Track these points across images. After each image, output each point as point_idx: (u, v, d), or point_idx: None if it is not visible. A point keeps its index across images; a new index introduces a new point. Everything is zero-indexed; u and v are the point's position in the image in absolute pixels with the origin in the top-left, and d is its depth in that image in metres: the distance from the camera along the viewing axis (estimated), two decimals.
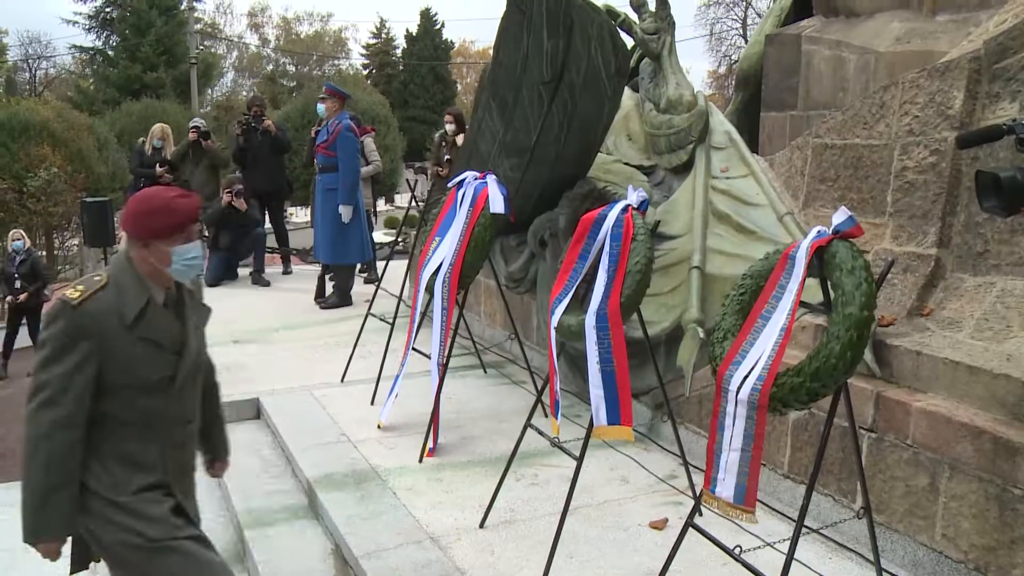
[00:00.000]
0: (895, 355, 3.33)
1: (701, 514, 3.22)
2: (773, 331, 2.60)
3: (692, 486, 3.75)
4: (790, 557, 2.52)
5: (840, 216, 2.61)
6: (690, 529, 2.87)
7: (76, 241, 17.97)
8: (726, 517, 2.74)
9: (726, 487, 2.66)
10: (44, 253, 17.96)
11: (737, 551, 2.71)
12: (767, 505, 3.51)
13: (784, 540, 2.66)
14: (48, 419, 2.34)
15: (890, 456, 3.20)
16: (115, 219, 13.20)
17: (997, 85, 3.44)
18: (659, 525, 3.56)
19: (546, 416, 4.22)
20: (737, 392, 2.58)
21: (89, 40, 37.47)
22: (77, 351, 2.35)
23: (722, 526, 3.31)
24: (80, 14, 37.44)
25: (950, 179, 3.55)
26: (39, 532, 2.41)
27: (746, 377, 2.58)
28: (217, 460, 3.00)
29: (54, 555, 2.45)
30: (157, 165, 9.55)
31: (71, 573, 2.69)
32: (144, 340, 2.44)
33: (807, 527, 2.70)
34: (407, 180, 9.42)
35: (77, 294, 2.38)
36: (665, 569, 2.92)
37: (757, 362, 2.58)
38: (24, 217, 16.55)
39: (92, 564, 2.67)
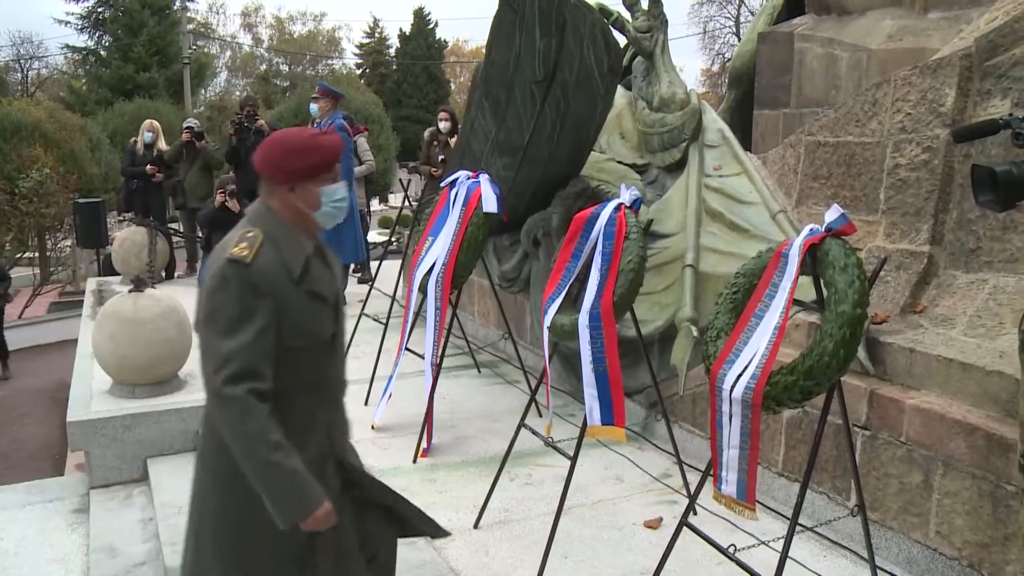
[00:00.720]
0: (888, 352, 3.33)
1: (695, 513, 3.22)
2: (767, 330, 2.60)
3: (686, 485, 3.75)
4: (784, 555, 2.52)
5: (832, 214, 2.61)
6: (684, 528, 2.86)
7: (69, 242, 17.91)
8: (728, 512, 2.74)
9: (730, 484, 2.66)
10: (37, 255, 17.93)
11: (731, 550, 2.71)
12: (761, 503, 3.51)
13: (778, 538, 2.66)
14: (244, 392, 2.10)
15: (884, 453, 3.20)
16: (107, 220, 13.20)
17: (988, 82, 3.44)
18: (653, 524, 3.56)
19: (540, 416, 4.22)
20: (731, 391, 2.57)
21: (81, 40, 37.36)
22: (259, 312, 2.13)
23: (716, 525, 3.31)
24: (72, 14, 37.32)
25: (942, 176, 3.55)
26: (307, 504, 2.14)
27: (740, 376, 2.58)
28: None
29: (332, 516, 2.19)
30: (148, 165, 9.52)
31: None
32: (311, 294, 2.26)
33: (801, 525, 2.71)
34: (400, 180, 9.40)
35: (246, 250, 2.17)
36: (660, 568, 2.91)
37: (751, 361, 2.58)
38: (16, 218, 16.50)
39: None
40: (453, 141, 7.99)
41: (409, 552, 3.35)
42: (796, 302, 2.77)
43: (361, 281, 8.97)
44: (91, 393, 5.26)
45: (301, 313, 2.21)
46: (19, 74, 44.60)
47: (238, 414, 2.10)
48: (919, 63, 3.78)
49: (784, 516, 3.23)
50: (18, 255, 17.50)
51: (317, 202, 2.29)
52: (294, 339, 2.20)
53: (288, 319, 2.18)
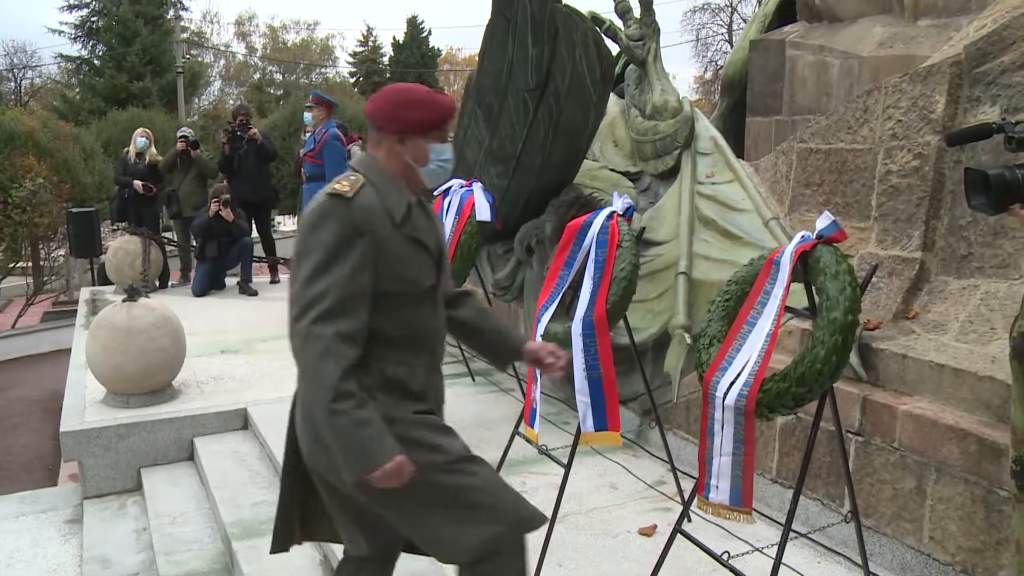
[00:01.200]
0: (881, 358, 3.34)
1: (690, 520, 3.22)
2: (759, 337, 2.61)
3: (681, 492, 3.75)
4: (778, 562, 2.53)
5: (824, 221, 2.62)
6: (679, 535, 2.87)
7: (62, 252, 17.86)
8: (720, 519, 2.74)
9: (720, 492, 2.66)
10: (30, 264, 17.88)
11: (725, 557, 2.71)
12: (755, 510, 3.51)
13: (772, 545, 2.67)
14: (332, 333, 2.03)
15: (877, 459, 3.21)
16: (101, 229, 13.17)
17: (978, 89, 3.47)
18: (648, 531, 3.56)
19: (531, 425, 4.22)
20: (724, 398, 2.58)
21: (75, 49, 37.40)
22: (356, 250, 2.08)
23: (710, 532, 3.31)
24: (66, 23, 37.37)
25: (933, 182, 3.57)
26: (376, 457, 2.06)
27: (732, 383, 2.58)
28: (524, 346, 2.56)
29: (404, 472, 2.09)
30: (137, 181, 9.48)
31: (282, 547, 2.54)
32: (413, 240, 2.21)
33: (795, 531, 2.71)
34: None
35: (347, 187, 2.14)
36: (654, 575, 2.92)
37: (743, 368, 2.59)
38: (9, 228, 16.46)
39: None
40: None
41: (405, 560, 3.34)
42: (788, 309, 2.78)
43: None
44: (85, 403, 5.26)
45: (400, 258, 2.17)
46: (12, 83, 44.58)
47: (318, 355, 2.03)
48: (909, 70, 3.81)
49: (778, 523, 3.23)
50: (11, 265, 17.45)
51: (425, 157, 2.27)
52: (391, 284, 2.16)
53: (386, 262, 2.13)
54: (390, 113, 2.24)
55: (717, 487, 2.66)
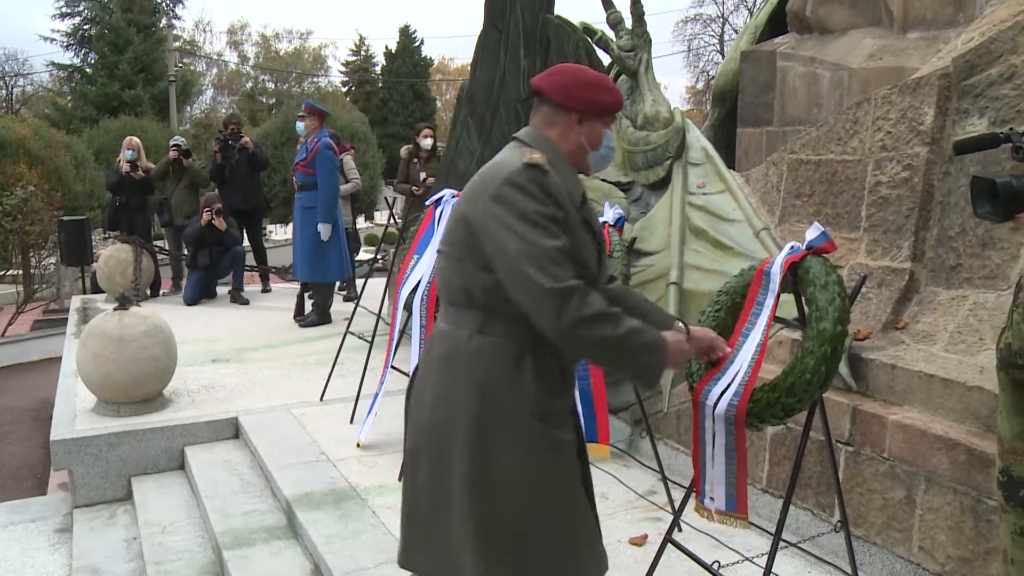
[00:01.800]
0: (871, 369, 3.36)
1: (680, 530, 3.23)
2: (750, 347, 2.62)
3: (671, 502, 3.76)
4: (768, 571, 2.53)
5: (813, 232, 2.64)
6: (669, 545, 2.87)
7: (53, 260, 17.81)
8: (712, 528, 2.75)
9: (717, 497, 2.68)
10: (20, 272, 17.81)
11: (716, 566, 2.72)
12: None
13: (762, 554, 2.67)
14: (583, 284, 1.99)
15: (867, 469, 3.22)
16: (92, 237, 13.15)
17: (966, 101, 3.50)
18: (639, 541, 3.57)
19: None
20: (714, 408, 2.59)
21: (67, 57, 37.36)
22: (557, 219, 2.04)
23: (701, 541, 3.32)
24: (58, 31, 37.35)
25: (923, 194, 3.59)
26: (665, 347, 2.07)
27: (723, 393, 2.59)
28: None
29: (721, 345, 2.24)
30: (135, 189, 9.49)
31: None
32: (586, 223, 2.17)
33: (785, 541, 2.72)
34: (385, 198, 9.39)
35: (540, 159, 2.07)
36: None
37: (734, 379, 2.60)
38: None
39: None
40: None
41: (395, 570, 3.34)
42: (778, 319, 2.80)
43: (347, 299, 8.97)
44: (75, 411, 5.24)
45: (577, 239, 2.11)
46: (4, 91, 44.46)
47: (591, 311, 1.97)
48: (899, 82, 3.84)
49: (768, 532, 3.24)
50: (2, 272, 17.39)
51: (599, 141, 2.23)
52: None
53: (569, 240, 2.07)
54: (575, 92, 2.18)
55: (712, 498, 2.67)
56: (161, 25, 35.58)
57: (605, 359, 2.08)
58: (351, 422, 5.00)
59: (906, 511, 3.07)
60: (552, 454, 2.14)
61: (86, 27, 36.86)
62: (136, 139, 9.99)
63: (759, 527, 3.43)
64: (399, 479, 4.25)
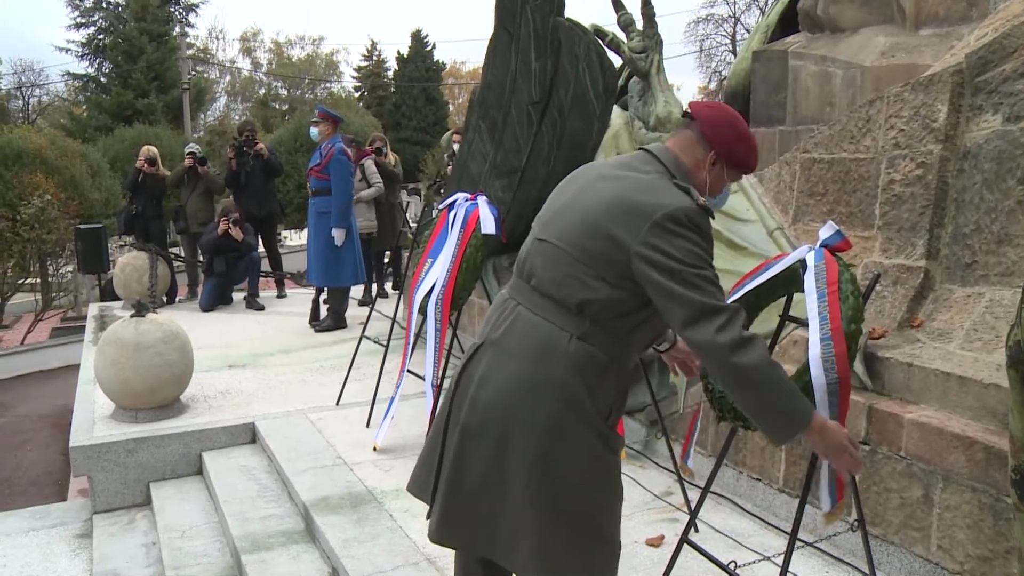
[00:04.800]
0: (886, 367, 3.35)
1: (697, 530, 3.23)
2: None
3: (687, 502, 3.75)
4: (784, 571, 2.53)
5: (828, 230, 2.63)
6: (685, 545, 2.87)
7: (70, 268, 17.94)
8: (730, 529, 2.74)
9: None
10: (38, 280, 17.96)
11: (732, 566, 2.71)
12: (762, 519, 3.52)
13: (779, 554, 2.67)
14: (733, 312, 2.07)
15: (884, 468, 3.21)
16: (108, 245, 13.24)
17: (980, 98, 3.48)
18: (655, 542, 3.56)
19: None
20: None
21: (82, 67, 37.68)
22: (711, 259, 2.15)
23: (718, 542, 3.32)
24: (73, 41, 37.68)
25: (937, 191, 3.58)
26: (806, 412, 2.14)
27: None
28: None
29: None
30: (151, 193, 9.56)
31: None
32: None
33: (802, 540, 2.72)
34: (399, 202, 9.41)
35: (705, 201, 2.17)
36: None
37: None
38: (17, 245, 16.55)
39: None
40: None
41: (412, 573, 3.36)
42: (791, 318, 2.80)
43: (362, 303, 9.00)
44: (94, 418, 5.28)
45: None
46: (20, 101, 44.87)
47: (750, 336, 2.05)
48: (911, 79, 3.82)
49: (785, 532, 3.23)
50: (20, 281, 17.54)
51: (719, 188, 2.32)
52: None
53: None
54: (725, 134, 2.26)
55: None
56: (174, 33, 35.77)
57: (751, 392, 2.09)
58: (367, 426, 5.02)
59: (924, 510, 3.06)
60: (609, 451, 2.26)
61: (100, 37, 37.15)
62: (153, 148, 10.08)
63: (776, 527, 3.42)
64: None
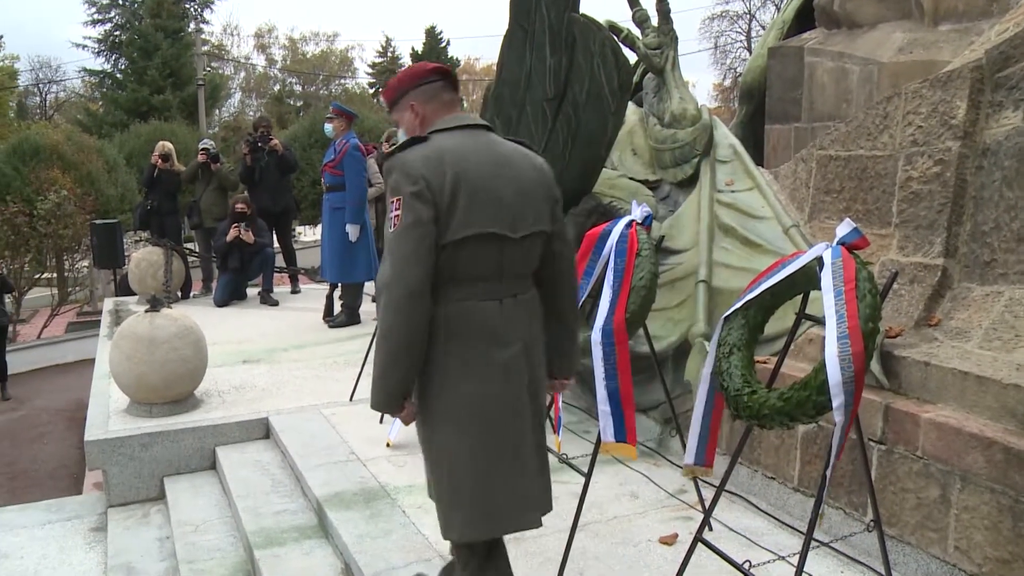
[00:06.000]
0: (903, 366, 3.32)
1: (711, 529, 3.21)
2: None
3: (701, 501, 3.74)
4: (800, 570, 2.51)
5: (845, 228, 2.61)
6: (699, 544, 2.85)
7: (86, 263, 18.05)
8: (744, 528, 2.73)
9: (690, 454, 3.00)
10: (55, 275, 18.07)
11: (747, 565, 2.70)
12: (776, 519, 3.50)
13: (794, 554, 2.65)
14: None
15: (900, 468, 3.18)
16: (124, 241, 13.30)
17: (1000, 94, 3.44)
18: (669, 540, 3.55)
19: (555, 433, 4.21)
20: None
21: (98, 64, 37.89)
22: None
23: (732, 541, 3.30)
24: (89, 38, 37.90)
25: (955, 189, 3.54)
26: None
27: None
28: None
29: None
30: (166, 188, 9.60)
31: None
32: None
33: (817, 540, 2.70)
34: None
35: None
36: None
37: None
38: (34, 240, 16.66)
39: None
40: None
41: (425, 570, 3.36)
42: (808, 316, 2.77)
43: (375, 300, 9.00)
44: (108, 412, 5.31)
45: None
46: (38, 98, 45.16)
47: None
48: (930, 76, 3.78)
49: (799, 531, 3.21)
50: (36, 276, 17.66)
51: None
52: None
53: None
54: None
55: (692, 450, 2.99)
56: (189, 30, 35.94)
57: None
58: (380, 422, 5.02)
59: (941, 511, 3.03)
60: None
61: (116, 33, 37.33)
62: (168, 144, 10.13)
63: (790, 526, 3.41)
64: None
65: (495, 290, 2.45)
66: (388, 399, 2.40)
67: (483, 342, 2.43)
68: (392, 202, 2.34)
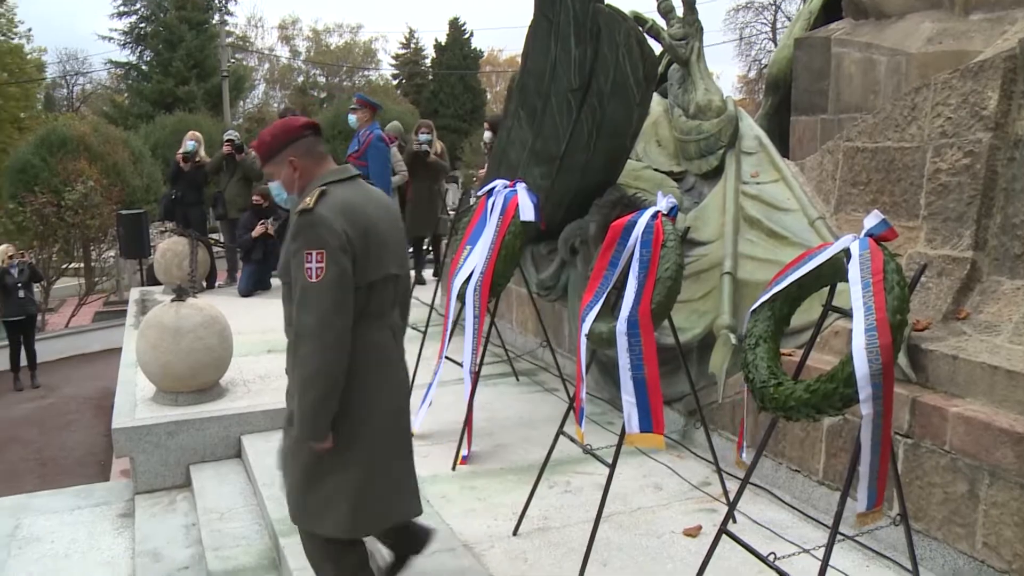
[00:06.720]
0: (930, 360, 3.29)
1: (735, 521, 3.20)
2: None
3: (726, 493, 3.73)
4: (825, 564, 2.50)
5: (873, 219, 2.59)
6: (724, 536, 2.85)
7: (112, 253, 18.22)
8: (769, 521, 2.70)
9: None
10: (82, 265, 18.26)
11: (771, 558, 2.68)
12: (800, 511, 3.49)
13: (819, 547, 2.64)
14: None
15: (927, 462, 3.16)
16: (150, 231, 13.41)
17: None
18: (693, 532, 3.55)
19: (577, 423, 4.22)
20: None
21: (124, 55, 38.14)
22: None
23: (756, 533, 3.29)
24: (115, 30, 38.13)
25: (985, 181, 3.50)
26: None
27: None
28: None
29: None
30: (190, 182, 9.67)
31: None
32: None
33: (842, 534, 2.68)
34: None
35: None
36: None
37: None
38: (62, 230, 16.84)
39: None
40: None
41: (448, 559, 3.38)
42: (835, 308, 2.75)
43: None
44: (135, 401, 5.36)
45: None
46: (65, 90, 45.57)
47: None
48: (960, 66, 3.74)
49: (824, 525, 3.20)
50: (64, 266, 17.85)
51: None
52: None
53: None
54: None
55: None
56: (213, 22, 36.08)
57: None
58: None
59: (969, 506, 3.01)
60: None
61: (142, 25, 37.55)
62: (198, 133, 10.22)
63: (815, 519, 3.40)
64: (452, 468, 4.29)
65: (389, 322, 2.82)
66: (320, 432, 2.65)
67: (388, 367, 2.81)
68: (311, 254, 2.55)
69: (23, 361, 11.88)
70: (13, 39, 31.08)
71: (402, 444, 2.94)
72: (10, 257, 11.66)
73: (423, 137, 9.29)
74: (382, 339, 2.77)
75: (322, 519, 2.77)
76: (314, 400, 2.60)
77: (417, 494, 2.97)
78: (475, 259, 4.48)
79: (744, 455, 3.06)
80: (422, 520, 3.10)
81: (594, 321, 3.42)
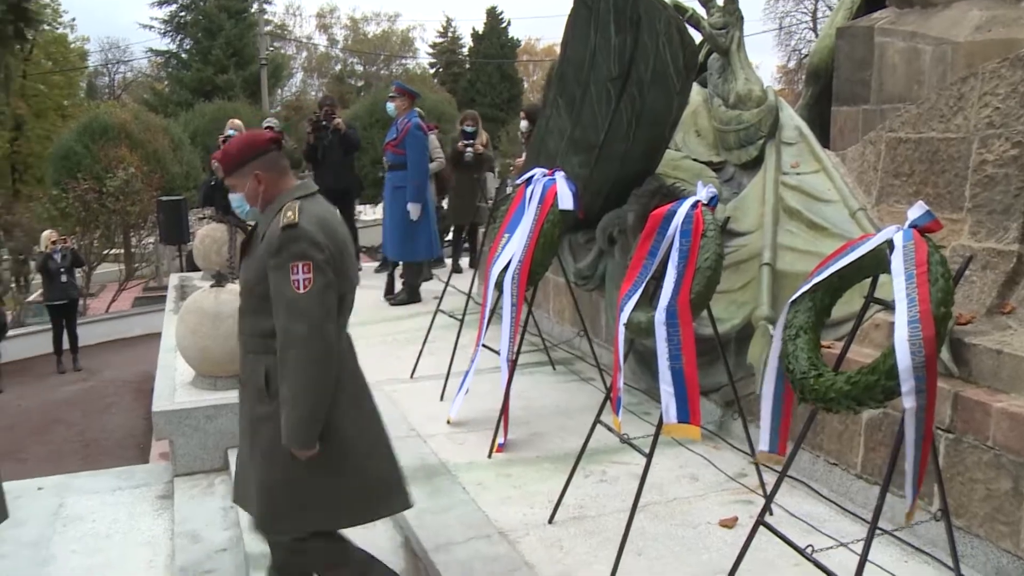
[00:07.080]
0: (974, 354, 3.24)
1: (772, 513, 3.18)
2: None
3: (763, 485, 3.71)
4: (864, 558, 2.48)
5: (917, 210, 2.55)
6: (760, 528, 2.84)
7: (152, 239, 18.47)
8: (806, 514, 2.69)
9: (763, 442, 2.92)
10: (122, 251, 18.53)
11: (809, 551, 2.67)
12: (839, 506, 3.46)
13: (858, 541, 2.61)
14: None
15: (969, 458, 3.12)
16: (189, 217, 13.57)
17: None
18: (729, 523, 3.53)
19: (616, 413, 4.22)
20: None
21: (164, 44, 38.59)
22: None
23: (793, 526, 3.27)
24: (156, 19, 38.56)
25: None
26: None
27: None
28: None
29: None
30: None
31: None
32: None
33: (881, 529, 2.65)
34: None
35: None
36: (735, 568, 2.89)
37: None
38: (103, 216, 17.10)
39: None
40: None
41: (484, 545, 3.40)
42: (877, 300, 2.72)
43: (424, 279, 9.06)
44: (175, 384, 5.44)
45: None
46: (107, 78, 46.19)
47: None
48: (1010, 55, 3.67)
49: (863, 519, 3.17)
50: (105, 251, 18.14)
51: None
52: None
53: None
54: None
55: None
56: (252, 10, 36.34)
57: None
58: (441, 399, 5.07)
59: (1013, 503, 2.96)
60: None
61: (182, 14, 37.93)
62: (239, 121, 10.30)
63: (853, 513, 3.37)
64: (488, 456, 4.31)
65: (346, 332, 2.97)
66: (311, 440, 2.71)
67: (356, 373, 2.98)
68: (298, 266, 2.64)
69: (65, 344, 12.12)
70: (58, 29, 31.53)
71: (380, 444, 3.03)
72: (53, 242, 11.89)
73: (468, 129, 9.29)
74: (345, 347, 2.93)
75: (304, 515, 2.86)
76: (311, 406, 2.69)
77: (404, 490, 3.05)
78: (513, 247, 4.48)
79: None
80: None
81: (633, 310, 3.41)
